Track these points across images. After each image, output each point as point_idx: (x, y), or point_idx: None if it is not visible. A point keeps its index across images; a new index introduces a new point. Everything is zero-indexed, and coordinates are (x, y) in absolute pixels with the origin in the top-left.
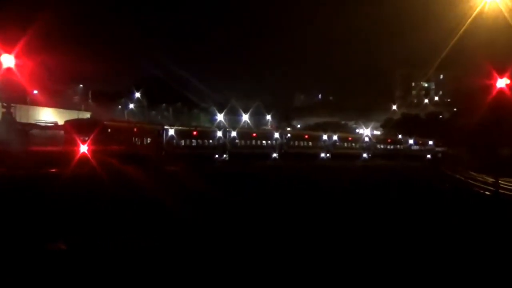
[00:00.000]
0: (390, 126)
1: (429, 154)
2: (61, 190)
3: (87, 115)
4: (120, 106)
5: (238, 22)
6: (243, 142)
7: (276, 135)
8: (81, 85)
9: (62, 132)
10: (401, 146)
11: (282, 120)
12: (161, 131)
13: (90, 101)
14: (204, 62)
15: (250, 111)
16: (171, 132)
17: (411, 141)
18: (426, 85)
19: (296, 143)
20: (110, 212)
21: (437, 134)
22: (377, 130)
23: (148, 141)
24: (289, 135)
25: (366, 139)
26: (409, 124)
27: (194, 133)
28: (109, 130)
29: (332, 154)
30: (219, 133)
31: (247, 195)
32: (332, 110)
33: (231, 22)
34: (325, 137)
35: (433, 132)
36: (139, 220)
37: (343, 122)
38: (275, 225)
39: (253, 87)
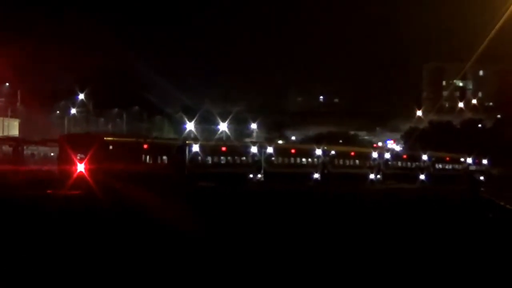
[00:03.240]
0: (414, 138)
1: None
2: (53, 216)
3: (14, 123)
4: (58, 111)
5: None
6: (280, 159)
7: (319, 152)
8: (7, 84)
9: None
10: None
11: (272, 130)
12: (183, 147)
13: (18, 104)
14: (171, 54)
15: (229, 118)
16: (195, 148)
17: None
18: (461, 84)
19: (341, 161)
20: (108, 251)
21: (476, 148)
22: (396, 142)
23: (164, 159)
24: (333, 152)
25: (425, 157)
26: (439, 135)
27: (223, 149)
28: (111, 147)
29: (384, 175)
30: (254, 149)
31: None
32: (339, 116)
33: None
34: (375, 155)
35: (470, 145)
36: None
37: (352, 132)
38: None
39: (234, 87)
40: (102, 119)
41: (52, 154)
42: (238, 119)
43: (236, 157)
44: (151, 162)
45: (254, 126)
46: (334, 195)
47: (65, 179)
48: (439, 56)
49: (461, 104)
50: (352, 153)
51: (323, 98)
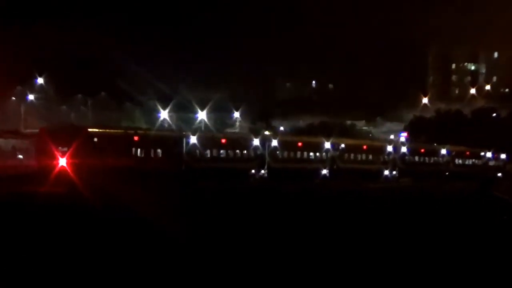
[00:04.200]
0: (419, 129)
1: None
2: (32, 216)
3: None
4: (14, 98)
5: None
6: (285, 154)
7: (327, 145)
8: None
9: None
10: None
11: (258, 120)
12: (180, 140)
13: None
14: (143, 35)
15: (209, 106)
16: (193, 140)
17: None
18: (472, 68)
19: (352, 156)
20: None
21: (490, 141)
22: (398, 134)
23: (158, 153)
24: (343, 145)
25: (444, 151)
26: (447, 125)
27: (223, 141)
28: (96, 139)
29: (400, 171)
30: (256, 142)
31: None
32: (334, 105)
33: None
34: (390, 148)
35: (483, 137)
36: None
37: (348, 123)
38: None
39: (215, 71)
40: (64, 107)
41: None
42: (218, 107)
43: (237, 151)
44: (142, 156)
45: (237, 115)
46: (344, 196)
47: (45, 175)
48: (448, 37)
49: (472, 91)
50: (365, 147)
51: (316, 84)
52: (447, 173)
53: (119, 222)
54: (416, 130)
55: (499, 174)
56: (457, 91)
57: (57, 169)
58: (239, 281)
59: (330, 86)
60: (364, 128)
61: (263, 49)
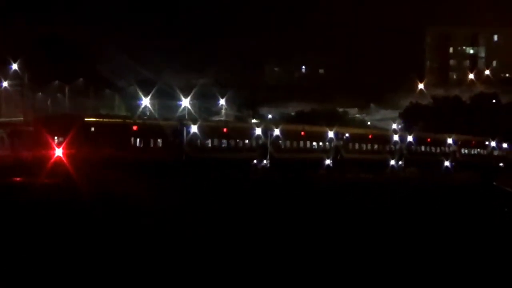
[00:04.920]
0: (414, 116)
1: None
2: (28, 206)
3: None
4: None
5: None
6: (288, 143)
7: (331, 134)
8: None
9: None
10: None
11: (245, 107)
12: (180, 129)
13: None
14: (122, 18)
15: (193, 93)
16: (194, 129)
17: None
18: (471, 51)
19: (357, 145)
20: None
21: (490, 128)
22: (393, 121)
23: (158, 143)
24: (347, 135)
25: (450, 140)
26: (444, 112)
27: (224, 130)
28: (93, 129)
29: (406, 160)
30: (258, 131)
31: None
32: (325, 91)
33: None
34: (396, 137)
35: (483, 125)
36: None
37: (341, 110)
38: None
39: (199, 56)
40: (39, 94)
41: None
42: (203, 94)
43: (238, 141)
44: (141, 146)
45: (222, 102)
46: (349, 187)
47: (40, 165)
48: (446, 18)
49: (471, 76)
50: (370, 136)
51: (306, 69)
52: (453, 163)
53: (115, 213)
54: (412, 117)
55: (501, 164)
56: (455, 76)
57: (53, 159)
58: (240, 270)
59: (321, 71)
60: (357, 115)
61: (250, 33)
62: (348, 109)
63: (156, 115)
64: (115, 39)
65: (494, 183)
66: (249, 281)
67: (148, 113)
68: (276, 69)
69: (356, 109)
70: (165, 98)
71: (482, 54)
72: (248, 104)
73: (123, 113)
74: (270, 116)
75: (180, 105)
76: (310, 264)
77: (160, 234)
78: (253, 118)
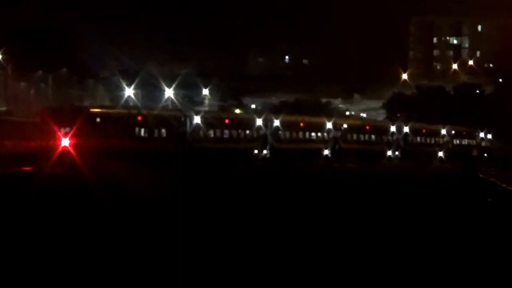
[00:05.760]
0: (398, 107)
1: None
2: (35, 194)
3: None
4: None
5: None
6: (288, 134)
7: (329, 125)
8: None
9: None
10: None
11: (229, 97)
12: (184, 119)
13: None
14: (106, 6)
15: (176, 82)
16: (197, 120)
17: None
18: (455, 41)
19: (355, 136)
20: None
21: (473, 119)
22: (377, 112)
23: (162, 133)
24: (345, 125)
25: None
26: (428, 102)
27: (226, 121)
28: (98, 119)
29: (403, 152)
30: (259, 122)
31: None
32: (308, 81)
33: None
34: (393, 129)
35: (466, 115)
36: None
37: (324, 100)
38: None
39: (182, 45)
40: (22, 83)
41: None
42: (187, 83)
43: (240, 131)
44: (146, 136)
45: (206, 92)
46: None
47: (47, 155)
48: (430, 8)
49: (455, 66)
50: (367, 127)
51: (290, 59)
52: (446, 154)
53: (119, 202)
54: (396, 107)
55: (485, 155)
56: (439, 67)
57: (59, 149)
58: (240, 263)
59: (305, 61)
60: (340, 106)
61: (234, 22)
62: (331, 100)
63: (140, 105)
64: (98, 28)
65: (478, 174)
66: (250, 271)
67: (131, 103)
68: (259, 59)
69: (339, 99)
70: (149, 88)
71: (466, 45)
72: (231, 94)
73: (107, 103)
74: (253, 106)
75: (164, 95)
76: (309, 250)
77: (165, 221)
78: (236, 108)
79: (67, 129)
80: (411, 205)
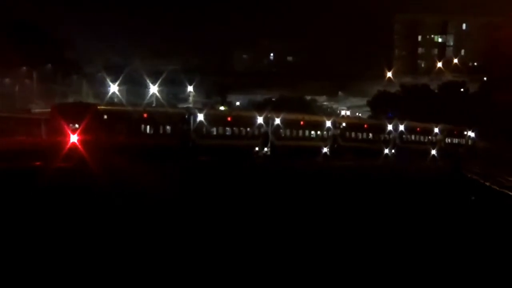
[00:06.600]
0: (382, 104)
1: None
2: (44, 188)
3: None
4: None
5: None
6: (288, 132)
7: (328, 124)
8: None
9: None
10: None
11: (213, 93)
12: (188, 116)
13: None
14: (91, 1)
15: (161, 79)
16: (200, 117)
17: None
18: (440, 39)
19: (353, 134)
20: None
21: (458, 116)
22: (360, 110)
23: (167, 130)
24: (344, 124)
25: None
26: (413, 100)
27: (229, 119)
28: (105, 116)
29: (398, 149)
30: (260, 120)
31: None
32: (293, 78)
33: None
34: (390, 127)
35: (451, 113)
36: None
37: (308, 97)
38: None
39: (166, 42)
40: (6, 80)
41: None
42: (171, 80)
43: (241, 128)
44: (152, 133)
45: (190, 88)
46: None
47: (56, 150)
48: (415, 6)
49: (439, 64)
50: (365, 126)
51: (274, 56)
52: (439, 152)
53: (126, 197)
54: (380, 105)
55: (469, 153)
56: (423, 64)
57: (68, 145)
58: (239, 256)
59: (289, 58)
60: (325, 103)
61: (218, 18)
62: (316, 97)
63: (124, 101)
64: (83, 24)
65: (462, 172)
66: (250, 267)
67: (115, 99)
68: (244, 56)
69: (324, 97)
70: (133, 84)
71: (451, 43)
72: (216, 90)
73: (91, 99)
74: (238, 103)
75: (148, 91)
76: (309, 245)
77: (170, 216)
78: (221, 105)
79: (76, 125)
80: (399, 203)
